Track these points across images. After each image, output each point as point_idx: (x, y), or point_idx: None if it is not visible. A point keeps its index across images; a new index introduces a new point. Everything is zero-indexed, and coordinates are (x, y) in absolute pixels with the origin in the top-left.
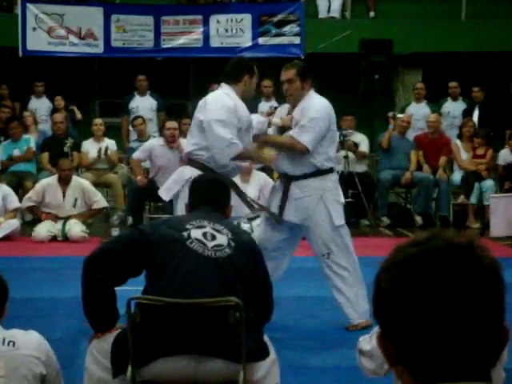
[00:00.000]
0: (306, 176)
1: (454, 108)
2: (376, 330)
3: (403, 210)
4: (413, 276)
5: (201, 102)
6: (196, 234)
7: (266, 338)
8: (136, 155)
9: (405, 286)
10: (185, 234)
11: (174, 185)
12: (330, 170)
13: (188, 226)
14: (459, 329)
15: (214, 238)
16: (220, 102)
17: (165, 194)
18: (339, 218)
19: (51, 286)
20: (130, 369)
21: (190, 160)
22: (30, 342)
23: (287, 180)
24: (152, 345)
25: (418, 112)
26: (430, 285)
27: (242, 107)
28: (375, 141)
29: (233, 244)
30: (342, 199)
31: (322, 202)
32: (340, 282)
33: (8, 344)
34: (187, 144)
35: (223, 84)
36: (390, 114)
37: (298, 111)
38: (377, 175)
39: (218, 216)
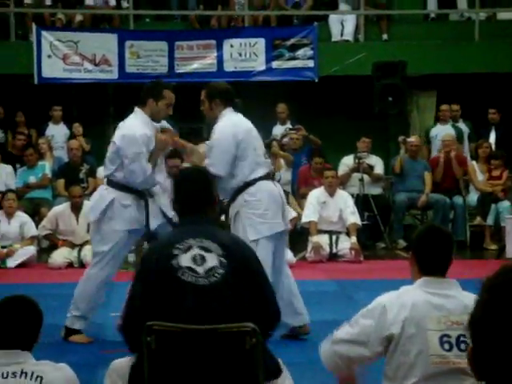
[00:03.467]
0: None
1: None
2: (353, 319)
3: None
4: None
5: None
6: (185, 261)
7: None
8: None
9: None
10: (174, 262)
11: (98, 205)
12: (251, 183)
13: (176, 252)
14: None
15: (203, 259)
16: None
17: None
18: (253, 233)
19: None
20: None
21: (109, 181)
22: (58, 379)
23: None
24: (168, 372)
25: (442, 134)
26: None
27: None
28: (390, 163)
29: (225, 261)
30: (266, 209)
31: (239, 219)
32: None
33: (36, 379)
34: (105, 168)
35: (136, 108)
36: (401, 138)
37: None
38: (392, 197)
39: (205, 226)
